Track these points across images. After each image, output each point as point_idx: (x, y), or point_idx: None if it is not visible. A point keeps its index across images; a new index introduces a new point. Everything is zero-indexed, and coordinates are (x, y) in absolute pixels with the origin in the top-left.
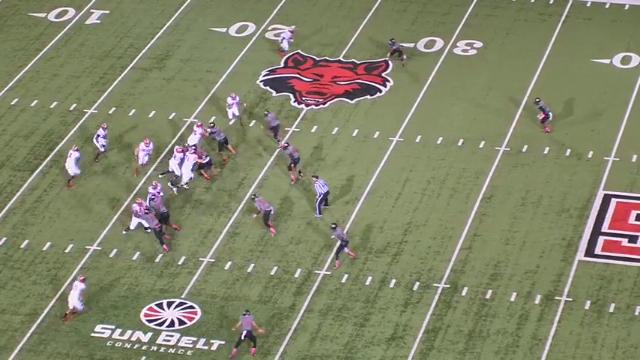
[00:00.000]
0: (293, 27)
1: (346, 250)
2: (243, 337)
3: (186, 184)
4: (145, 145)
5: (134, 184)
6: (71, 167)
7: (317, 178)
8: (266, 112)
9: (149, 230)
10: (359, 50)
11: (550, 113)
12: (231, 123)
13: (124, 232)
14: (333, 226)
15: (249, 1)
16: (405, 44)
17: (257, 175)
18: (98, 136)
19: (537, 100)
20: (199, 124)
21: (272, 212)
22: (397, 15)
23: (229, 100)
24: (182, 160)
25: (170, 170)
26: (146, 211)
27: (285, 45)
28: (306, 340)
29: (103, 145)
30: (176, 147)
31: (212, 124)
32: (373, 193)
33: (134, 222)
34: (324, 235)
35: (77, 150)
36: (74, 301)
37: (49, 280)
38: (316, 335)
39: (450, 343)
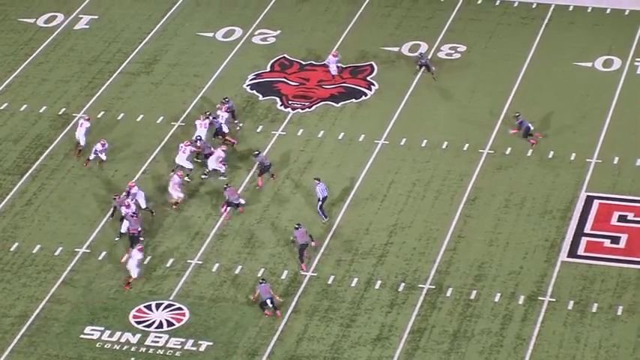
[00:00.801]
0: (336, 50)
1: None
2: (269, 304)
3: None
4: (100, 145)
5: (123, 187)
6: (81, 137)
7: (319, 181)
8: (256, 153)
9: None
10: (344, 54)
11: (530, 126)
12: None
13: (116, 239)
14: (297, 226)
15: (236, 7)
16: (388, 48)
17: (244, 178)
18: (96, 151)
19: (517, 114)
20: (206, 114)
21: (241, 203)
22: (381, 19)
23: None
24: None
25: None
26: (133, 214)
27: (333, 69)
28: (292, 341)
29: (97, 153)
30: (184, 142)
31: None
32: (359, 196)
33: (124, 226)
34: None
35: (88, 120)
36: (132, 267)
37: (38, 282)
38: (303, 336)
39: (435, 343)
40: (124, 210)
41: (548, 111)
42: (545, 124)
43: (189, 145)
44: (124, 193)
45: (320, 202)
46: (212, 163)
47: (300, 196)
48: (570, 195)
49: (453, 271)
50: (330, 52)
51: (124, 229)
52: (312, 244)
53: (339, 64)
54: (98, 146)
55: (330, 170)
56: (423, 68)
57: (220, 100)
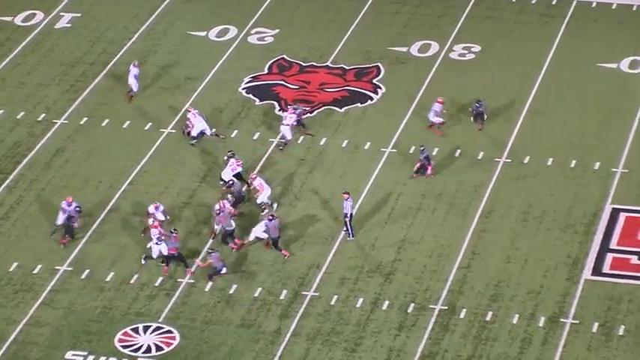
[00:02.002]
0: (441, 99)
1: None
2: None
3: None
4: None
5: (107, 200)
6: (133, 83)
7: (348, 195)
8: (230, 182)
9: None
10: (348, 55)
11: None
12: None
13: (143, 262)
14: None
15: (230, 4)
16: (396, 48)
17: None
18: (63, 209)
19: (422, 147)
20: (293, 108)
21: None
22: (388, 17)
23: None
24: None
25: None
26: (171, 231)
27: (432, 116)
28: None
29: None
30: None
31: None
32: (364, 209)
33: (155, 250)
34: (312, 253)
35: (136, 65)
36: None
37: (15, 303)
38: None
39: None
40: (155, 232)
41: (570, 116)
42: (567, 131)
43: (239, 163)
44: (154, 212)
45: (349, 218)
46: (227, 175)
47: (300, 209)
48: (594, 207)
49: (466, 291)
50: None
51: (155, 254)
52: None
53: (445, 111)
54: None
55: (333, 181)
56: (478, 117)
57: (292, 106)
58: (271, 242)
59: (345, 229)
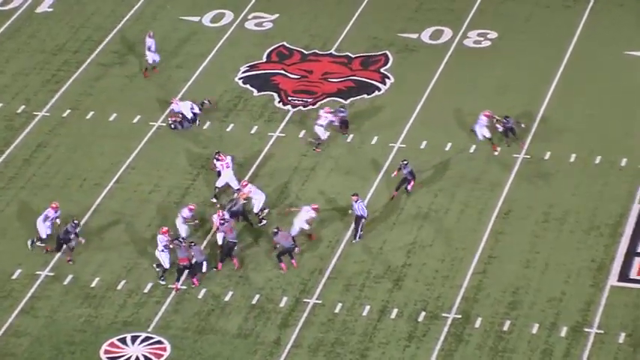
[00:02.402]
0: (488, 112)
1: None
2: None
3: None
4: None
5: (92, 200)
6: (150, 56)
7: (357, 197)
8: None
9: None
10: (354, 42)
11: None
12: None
13: (162, 282)
14: (275, 230)
15: None
16: (406, 35)
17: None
18: (47, 217)
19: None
20: (334, 110)
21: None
22: (398, 1)
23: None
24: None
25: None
26: (190, 243)
27: (479, 131)
28: None
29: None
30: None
31: None
32: (371, 209)
33: (165, 258)
34: (314, 257)
35: (152, 37)
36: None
37: None
38: None
39: None
40: (163, 239)
41: (594, 108)
42: (591, 124)
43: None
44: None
45: (363, 222)
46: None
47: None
48: (621, 208)
49: (482, 298)
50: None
51: (167, 263)
52: (296, 250)
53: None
54: (50, 212)
55: (338, 178)
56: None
57: (338, 108)
58: (277, 253)
59: (355, 228)
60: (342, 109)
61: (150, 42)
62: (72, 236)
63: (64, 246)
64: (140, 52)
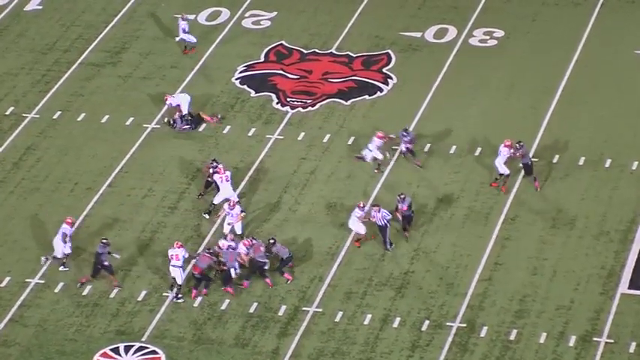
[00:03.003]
0: (509, 141)
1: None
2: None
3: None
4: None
5: (83, 205)
6: (186, 37)
7: (378, 207)
8: (272, 240)
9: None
10: (355, 41)
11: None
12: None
13: (179, 300)
14: (272, 240)
15: None
16: (409, 34)
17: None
18: (65, 235)
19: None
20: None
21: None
22: None
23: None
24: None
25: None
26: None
27: (501, 164)
28: None
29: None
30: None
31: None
32: None
33: (180, 274)
34: (314, 264)
35: (185, 19)
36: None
37: None
38: None
39: None
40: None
41: (604, 110)
42: (601, 126)
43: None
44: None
45: (388, 231)
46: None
47: (300, 214)
48: (632, 213)
49: (488, 306)
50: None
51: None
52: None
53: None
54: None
55: (338, 183)
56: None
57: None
58: (279, 264)
59: (384, 241)
60: (405, 132)
61: (183, 24)
62: (105, 257)
63: (101, 270)
64: (133, 51)
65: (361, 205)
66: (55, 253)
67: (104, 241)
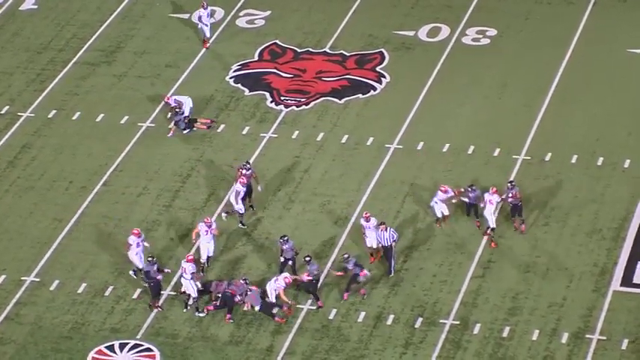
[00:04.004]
0: (495, 188)
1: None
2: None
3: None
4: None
5: (78, 203)
6: (205, 29)
7: (385, 225)
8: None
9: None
10: (348, 40)
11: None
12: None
13: (200, 315)
14: (308, 258)
15: None
16: (402, 32)
17: (226, 190)
18: (131, 245)
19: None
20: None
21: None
22: None
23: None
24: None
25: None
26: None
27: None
28: None
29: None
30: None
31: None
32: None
33: (192, 285)
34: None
35: (206, 7)
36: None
37: None
38: None
39: None
40: (190, 267)
41: (597, 108)
42: (594, 125)
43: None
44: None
45: (394, 251)
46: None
47: (294, 212)
48: (624, 210)
49: (481, 303)
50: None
51: (193, 291)
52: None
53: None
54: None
55: (332, 181)
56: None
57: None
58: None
59: (388, 263)
60: (471, 188)
61: (201, 12)
62: (154, 274)
63: (159, 289)
64: (128, 50)
65: (366, 216)
66: (135, 265)
67: (149, 259)
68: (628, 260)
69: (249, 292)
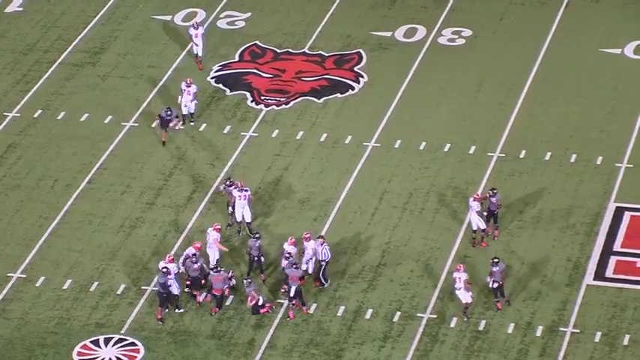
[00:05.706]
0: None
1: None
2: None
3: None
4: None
5: (63, 201)
6: (199, 48)
7: (324, 239)
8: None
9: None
10: (327, 41)
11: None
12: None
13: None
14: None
15: None
16: (380, 33)
17: (208, 188)
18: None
19: (494, 191)
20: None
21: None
22: None
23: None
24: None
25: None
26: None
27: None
28: None
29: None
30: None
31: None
32: (345, 209)
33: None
34: None
35: (195, 27)
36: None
37: None
38: None
39: None
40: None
41: (570, 106)
42: (567, 122)
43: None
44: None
45: (325, 265)
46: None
47: (274, 209)
48: (596, 206)
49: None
50: None
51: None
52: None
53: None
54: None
55: (311, 179)
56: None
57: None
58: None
59: (323, 276)
60: (492, 191)
61: (191, 32)
62: (168, 284)
63: (166, 301)
64: (112, 51)
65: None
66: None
67: (164, 270)
68: (601, 255)
69: (248, 289)
